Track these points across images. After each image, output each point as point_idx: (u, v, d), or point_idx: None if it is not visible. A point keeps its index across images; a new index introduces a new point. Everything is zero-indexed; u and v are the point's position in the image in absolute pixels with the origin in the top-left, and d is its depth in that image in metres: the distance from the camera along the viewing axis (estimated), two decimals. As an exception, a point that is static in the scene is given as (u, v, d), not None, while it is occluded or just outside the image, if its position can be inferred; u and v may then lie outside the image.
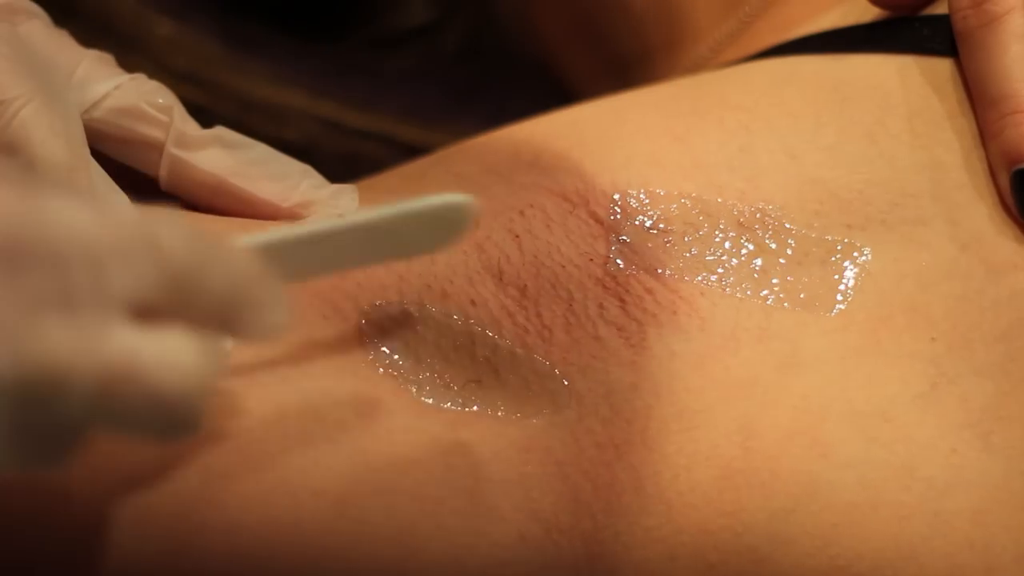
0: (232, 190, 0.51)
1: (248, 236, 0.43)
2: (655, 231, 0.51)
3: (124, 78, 0.51)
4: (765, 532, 0.48)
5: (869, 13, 0.57)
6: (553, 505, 0.48)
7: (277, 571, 0.47)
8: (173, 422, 0.38)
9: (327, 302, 0.48)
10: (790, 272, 0.51)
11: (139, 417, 0.38)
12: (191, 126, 0.51)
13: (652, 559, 0.48)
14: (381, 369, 0.48)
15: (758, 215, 0.52)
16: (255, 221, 0.52)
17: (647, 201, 0.52)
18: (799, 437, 0.48)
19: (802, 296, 0.51)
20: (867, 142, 0.53)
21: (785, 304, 0.50)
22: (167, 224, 0.39)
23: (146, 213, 0.39)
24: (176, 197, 0.52)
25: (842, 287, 0.51)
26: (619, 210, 0.51)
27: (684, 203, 0.52)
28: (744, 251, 0.51)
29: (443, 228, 0.45)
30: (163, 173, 0.52)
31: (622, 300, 0.50)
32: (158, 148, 0.51)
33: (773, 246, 0.51)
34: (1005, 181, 0.52)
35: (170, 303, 0.39)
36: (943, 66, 0.54)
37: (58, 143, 0.47)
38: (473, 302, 0.50)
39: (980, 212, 0.52)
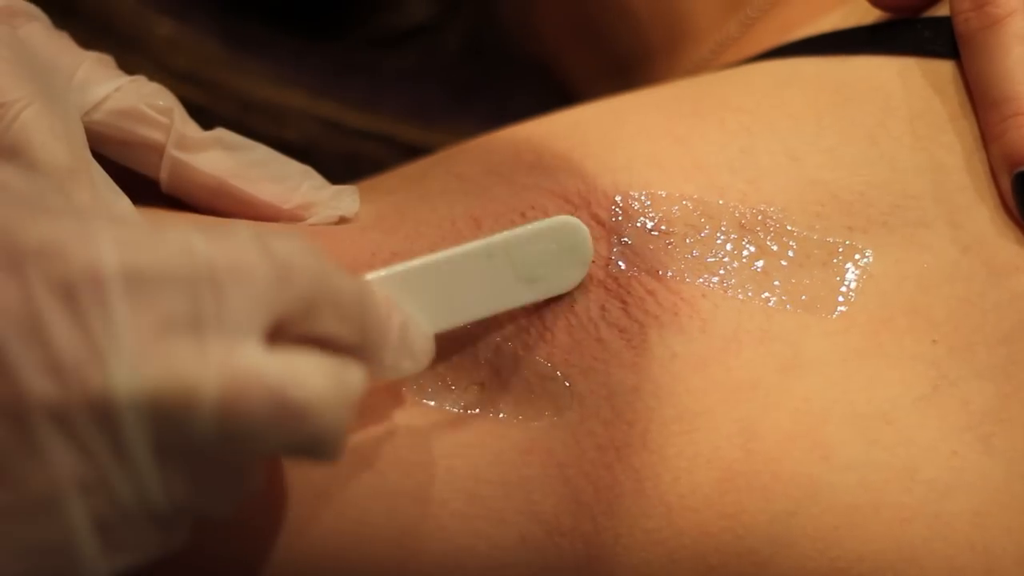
0: (233, 192, 0.51)
1: (374, 271, 0.46)
2: (656, 233, 0.51)
3: (124, 80, 0.51)
4: (766, 534, 0.48)
5: (870, 15, 0.57)
6: (554, 507, 0.48)
7: (277, 573, 0.47)
8: (306, 438, 0.40)
9: None
10: (792, 274, 0.51)
11: (269, 432, 0.39)
12: (191, 128, 0.51)
13: (653, 561, 0.48)
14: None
15: (759, 217, 0.52)
16: (258, 223, 0.52)
17: (648, 203, 0.52)
18: (800, 439, 0.48)
19: (803, 298, 0.50)
20: (868, 144, 0.53)
21: (787, 306, 0.50)
22: (292, 247, 0.41)
23: (271, 236, 0.41)
24: (177, 199, 0.52)
25: (843, 289, 0.51)
26: (620, 212, 0.51)
27: (685, 205, 0.52)
28: (745, 253, 0.51)
29: (565, 253, 0.49)
30: (164, 175, 0.51)
31: (624, 302, 0.50)
32: (159, 150, 0.51)
33: (775, 248, 0.51)
34: (1007, 183, 0.52)
35: (299, 326, 0.40)
36: (945, 68, 0.54)
37: (59, 145, 0.47)
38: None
39: (982, 214, 0.52)
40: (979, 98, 0.53)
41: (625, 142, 0.53)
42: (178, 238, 0.39)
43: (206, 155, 0.51)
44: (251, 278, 0.39)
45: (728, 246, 0.51)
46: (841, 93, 0.54)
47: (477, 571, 0.47)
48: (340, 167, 0.57)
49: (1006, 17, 0.52)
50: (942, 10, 0.56)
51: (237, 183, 0.51)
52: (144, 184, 0.52)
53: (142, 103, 0.51)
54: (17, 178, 0.40)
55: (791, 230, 0.51)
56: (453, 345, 0.49)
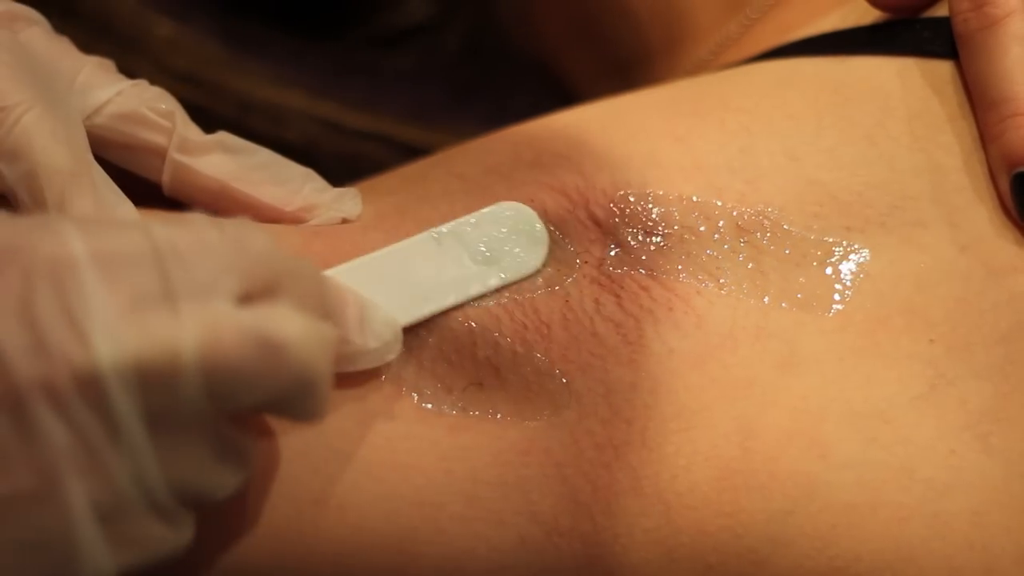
0: (235, 195, 0.51)
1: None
2: (654, 232, 0.51)
3: (126, 84, 0.51)
4: (764, 533, 0.48)
5: (869, 15, 0.57)
6: (553, 507, 0.48)
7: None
8: (291, 378, 0.40)
9: None
10: (788, 272, 0.51)
11: (252, 376, 0.40)
12: (193, 131, 0.51)
13: (651, 561, 0.48)
14: (383, 376, 0.48)
15: (757, 217, 0.52)
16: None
17: (646, 202, 0.52)
18: (798, 438, 0.48)
19: (799, 296, 0.51)
20: (867, 144, 0.53)
21: (782, 304, 0.50)
22: (247, 227, 0.42)
23: (226, 220, 0.42)
24: (179, 203, 0.52)
25: (839, 287, 0.51)
26: (618, 210, 0.52)
27: (683, 204, 0.52)
28: (742, 252, 0.51)
29: (518, 236, 0.50)
30: (166, 179, 0.52)
31: (617, 296, 0.50)
32: (160, 154, 0.51)
33: (772, 248, 0.51)
34: (1005, 184, 0.52)
35: (264, 299, 0.41)
36: (943, 68, 0.54)
37: (61, 149, 0.47)
38: (472, 301, 0.50)
39: (980, 215, 0.52)
40: (978, 98, 0.53)
41: (624, 141, 0.53)
42: (137, 224, 0.41)
43: (208, 158, 0.51)
44: (213, 251, 0.41)
45: (725, 245, 0.51)
46: (840, 93, 0.54)
47: (477, 573, 0.47)
48: (340, 168, 0.57)
49: (1005, 17, 0.52)
50: (941, 10, 0.56)
51: (239, 186, 0.51)
52: (146, 188, 0.52)
53: (144, 107, 0.51)
54: None
55: (788, 230, 0.52)
56: (452, 344, 0.49)
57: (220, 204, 0.52)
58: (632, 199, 0.52)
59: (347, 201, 0.53)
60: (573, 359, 0.49)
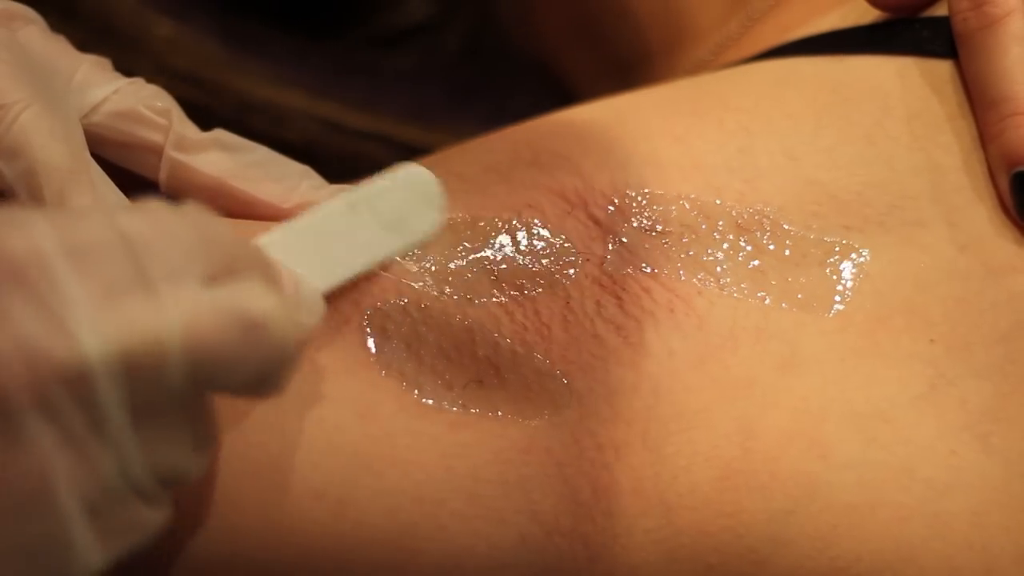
0: (232, 192, 0.51)
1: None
2: (653, 232, 0.51)
3: (122, 82, 0.51)
4: (764, 533, 0.48)
5: (869, 15, 0.57)
6: (554, 507, 0.48)
7: (277, 574, 0.47)
8: (271, 352, 0.40)
9: (328, 304, 0.48)
10: (788, 273, 0.51)
11: (237, 355, 0.40)
12: (190, 129, 0.51)
13: (652, 561, 0.48)
14: (383, 372, 0.48)
15: (756, 217, 0.52)
16: (258, 222, 0.52)
17: (645, 202, 0.52)
18: (798, 438, 0.48)
19: (800, 297, 0.51)
20: (866, 144, 0.53)
21: (783, 304, 0.50)
22: (202, 211, 0.42)
23: (182, 205, 0.42)
24: (177, 200, 0.52)
25: (840, 288, 0.51)
26: (617, 210, 0.51)
27: (682, 204, 0.52)
28: (742, 252, 0.51)
29: (420, 200, 0.50)
30: (163, 176, 0.52)
31: (619, 298, 0.50)
32: (157, 151, 0.51)
33: (771, 247, 0.51)
34: (1004, 183, 0.52)
35: (226, 280, 0.41)
36: (943, 68, 0.54)
37: (58, 147, 0.47)
38: (472, 300, 0.50)
39: (979, 214, 0.52)
40: (977, 98, 0.53)
41: (623, 141, 0.53)
42: (102, 214, 0.40)
43: (205, 156, 0.51)
44: (177, 236, 0.40)
45: (724, 245, 0.51)
46: (839, 93, 0.54)
47: (476, 571, 0.47)
48: (340, 167, 0.57)
49: (1004, 17, 0.52)
50: (940, 10, 0.56)
51: (236, 183, 0.51)
52: (143, 185, 0.52)
53: (140, 105, 0.51)
54: None
55: (788, 229, 0.52)
56: (451, 341, 0.49)
57: (217, 201, 0.52)
58: (631, 199, 0.52)
59: (344, 198, 0.53)
60: (573, 360, 0.49)
